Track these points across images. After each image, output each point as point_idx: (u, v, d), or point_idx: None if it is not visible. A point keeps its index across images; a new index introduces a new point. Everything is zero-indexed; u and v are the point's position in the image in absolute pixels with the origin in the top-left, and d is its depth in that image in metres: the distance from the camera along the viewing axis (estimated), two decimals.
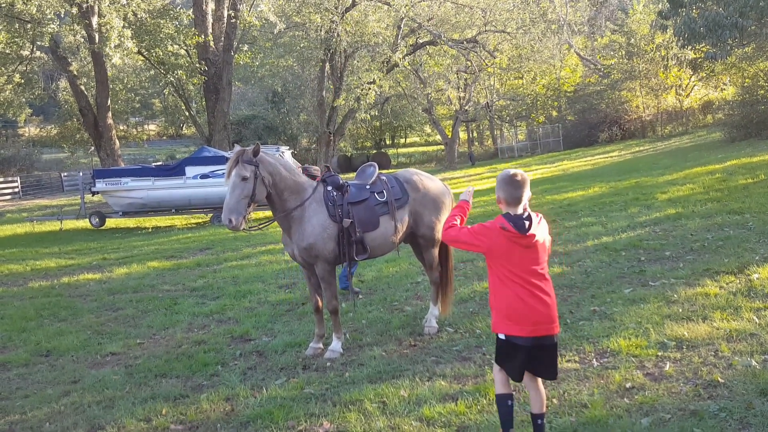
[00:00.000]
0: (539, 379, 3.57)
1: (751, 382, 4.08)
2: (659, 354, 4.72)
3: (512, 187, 3.42)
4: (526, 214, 3.44)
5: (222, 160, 16.17)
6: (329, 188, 5.47)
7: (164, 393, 4.85)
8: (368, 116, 32.92)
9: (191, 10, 25.40)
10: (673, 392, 4.10)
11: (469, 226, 3.60)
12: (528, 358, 3.42)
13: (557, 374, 3.68)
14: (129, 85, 36.90)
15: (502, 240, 3.40)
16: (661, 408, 3.91)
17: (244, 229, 5.15)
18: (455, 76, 37.78)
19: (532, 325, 3.38)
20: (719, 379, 4.19)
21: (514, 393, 3.70)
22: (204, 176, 16.91)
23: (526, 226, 3.38)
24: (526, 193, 3.45)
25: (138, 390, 5.00)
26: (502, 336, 3.48)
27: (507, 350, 3.47)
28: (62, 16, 23.29)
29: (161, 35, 23.11)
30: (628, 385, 4.26)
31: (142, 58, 26.37)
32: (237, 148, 5.19)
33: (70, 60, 26.10)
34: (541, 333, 3.39)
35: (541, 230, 3.46)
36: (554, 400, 4.14)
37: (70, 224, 19.04)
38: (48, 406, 4.82)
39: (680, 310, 5.60)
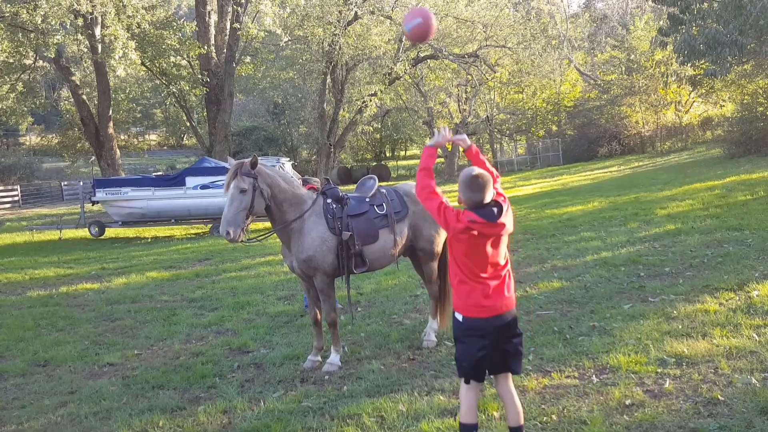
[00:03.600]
0: (512, 387, 3.53)
1: (751, 399, 4.07)
2: (659, 371, 4.70)
3: (471, 190, 3.36)
4: (493, 202, 3.40)
5: (222, 171, 16.17)
6: (329, 200, 5.48)
7: (161, 405, 4.83)
8: (371, 128, 33.02)
9: (194, 21, 25.55)
10: (673, 409, 4.09)
11: (449, 206, 3.53)
12: (492, 344, 3.38)
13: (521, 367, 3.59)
14: (131, 95, 37.01)
15: (457, 221, 3.34)
16: (661, 425, 3.89)
17: (242, 241, 5.15)
18: (456, 89, 37.94)
19: (489, 312, 3.38)
20: (719, 396, 4.18)
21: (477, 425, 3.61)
22: (204, 187, 16.91)
23: (495, 214, 3.35)
24: (489, 196, 3.39)
25: (135, 401, 4.98)
26: (459, 316, 3.43)
27: (467, 333, 3.41)
28: (66, 26, 23.42)
29: (164, 46, 23.23)
30: (627, 402, 4.24)
31: (145, 69, 26.49)
32: (231, 160, 5.21)
33: (72, 70, 26.21)
34: (499, 312, 3.39)
35: (507, 218, 3.43)
36: (553, 416, 4.12)
37: (69, 233, 19.01)
38: (44, 416, 4.79)
39: (680, 327, 5.59)
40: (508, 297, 3.48)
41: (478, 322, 3.39)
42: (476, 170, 3.43)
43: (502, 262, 3.49)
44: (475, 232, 3.33)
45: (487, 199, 3.41)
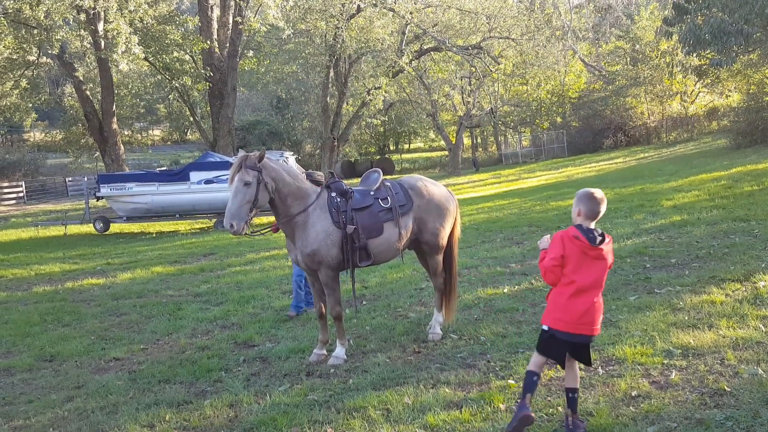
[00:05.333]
0: (575, 361, 3.94)
1: (758, 390, 4.05)
2: (665, 362, 4.69)
3: (593, 203, 3.86)
4: (599, 231, 3.86)
5: (226, 166, 16.20)
6: (333, 194, 5.46)
7: (168, 399, 4.85)
8: (377, 121, 32.93)
9: (197, 16, 25.52)
10: (679, 401, 4.08)
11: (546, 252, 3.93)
12: (569, 349, 3.86)
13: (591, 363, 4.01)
14: (134, 91, 37.03)
15: (575, 248, 3.78)
16: (667, 416, 3.88)
17: (246, 233, 5.15)
18: (460, 81, 37.83)
19: (578, 324, 3.77)
20: (725, 387, 4.16)
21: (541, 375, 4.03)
22: (208, 181, 16.94)
23: (597, 239, 3.80)
24: (603, 211, 3.89)
25: (141, 396, 4.99)
26: (545, 327, 3.87)
27: (549, 342, 3.87)
28: (69, 22, 23.42)
29: (167, 41, 23.21)
30: (633, 393, 4.23)
31: (148, 64, 26.49)
32: (241, 153, 5.19)
33: (75, 65, 26.23)
34: (583, 332, 3.80)
35: (608, 247, 3.87)
36: (559, 408, 4.12)
37: (74, 229, 19.08)
38: (52, 411, 4.81)
39: (686, 318, 5.57)
40: None
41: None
42: (593, 189, 3.95)
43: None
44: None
45: (602, 214, 3.89)
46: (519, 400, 3.91)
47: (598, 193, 3.88)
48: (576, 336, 3.79)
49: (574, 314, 3.76)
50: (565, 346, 3.84)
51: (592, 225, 3.86)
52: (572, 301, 3.76)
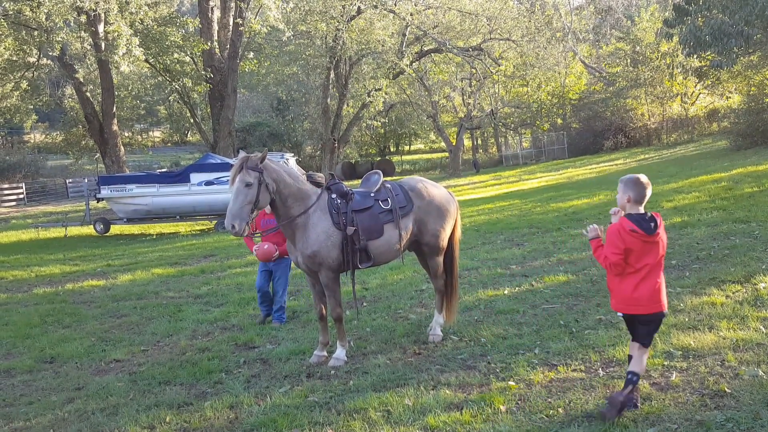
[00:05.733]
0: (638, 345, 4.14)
1: (758, 392, 4.05)
2: (665, 363, 4.69)
3: (641, 188, 4.01)
4: (649, 215, 4.00)
5: (227, 167, 16.20)
6: (333, 196, 5.46)
7: (168, 400, 4.85)
8: (377, 123, 32.90)
9: (197, 18, 25.54)
10: (680, 402, 4.08)
11: (606, 246, 4.10)
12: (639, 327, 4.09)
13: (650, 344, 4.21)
14: (134, 92, 37.05)
15: (635, 240, 3.94)
16: (668, 418, 3.88)
17: (247, 234, 5.15)
18: (460, 83, 37.85)
19: (650, 304, 4.00)
20: (726, 389, 4.16)
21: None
22: (209, 183, 16.95)
23: (653, 227, 3.96)
24: (650, 194, 4.06)
25: (142, 397, 4.99)
26: (620, 314, 4.16)
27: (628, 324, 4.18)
28: (70, 23, 23.44)
29: (168, 43, 23.24)
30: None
31: (148, 66, 26.52)
32: (242, 154, 5.19)
33: (76, 67, 26.26)
34: (655, 310, 4.02)
35: (662, 230, 4.03)
36: (560, 410, 4.12)
37: (74, 231, 19.09)
38: (52, 412, 4.81)
39: (686, 320, 5.57)
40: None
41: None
42: (637, 174, 4.09)
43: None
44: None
45: (649, 196, 4.06)
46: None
47: (644, 177, 4.04)
48: (651, 315, 4.02)
49: (642, 298, 3.97)
50: (642, 324, 4.07)
51: (641, 209, 4.03)
52: (640, 286, 3.98)
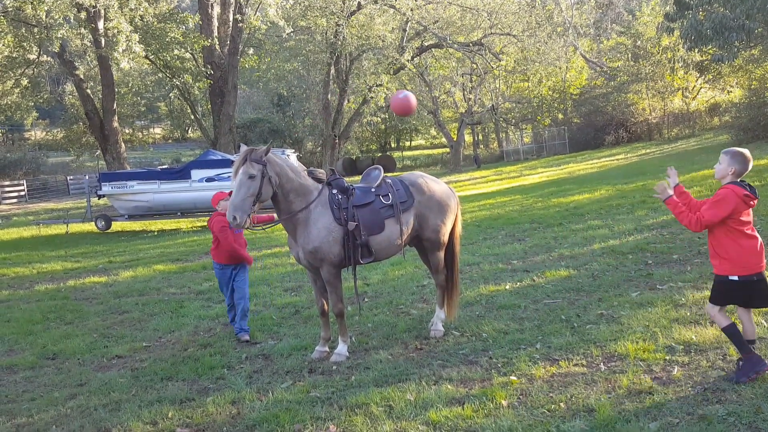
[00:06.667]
0: (751, 311, 4.40)
1: (760, 386, 4.06)
2: (667, 358, 4.69)
3: (746, 163, 4.35)
4: (746, 183, 4.33)
5: (227, 164, 16.19)
6: (334, 191, 5.46)
7: (170, 396, 4.86)
8: (378, 118, 32.86)
9: (197, 14, 25.50)
10: (682, 396, 4.08)
11: (706, 206, 4.47)
12: (749, 292, 4.29)
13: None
14: (135, 89, 37.06)
15: (743, 204, 4.28)
16: (670, 412, 3.88)
17: (248, 227, 5.15)
18: (461, 78, 37.78)
19: (759, 263, 4.27)
20: (727, 383, 4.16)
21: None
22: (210, 179, 16.93)
23: (756, 192, 4.33)
24: (750, 168, 4.39)
25: (144, 393, 5.00)
26: (734, 278, 4.29)
27: (733, 289, 4.31)
28: (70, 20, 23.41)
29: (168, 39, 23.20)
30: (636, 389, 4.23)
31: (148, 62, 26.49)
32: (243, 147, 5.18)
33: (76, 64, 26.23)
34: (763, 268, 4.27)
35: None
36: (561, 404, 4.12)
37: (76, 227, 19.10)
38: (54, 409, 4.82)
39: (688, 314, 5.57)
40: None
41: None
42: (741, 149, 4.42)
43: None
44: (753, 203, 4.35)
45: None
46: (742, 359, 4.21)
47: (748, 153, 4.37)
48: (761, 273, 4.26)
49: (759, 256, 4.27)
50: (749, 288, 4.27)
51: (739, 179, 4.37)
52: (754, 247, 4.27)
